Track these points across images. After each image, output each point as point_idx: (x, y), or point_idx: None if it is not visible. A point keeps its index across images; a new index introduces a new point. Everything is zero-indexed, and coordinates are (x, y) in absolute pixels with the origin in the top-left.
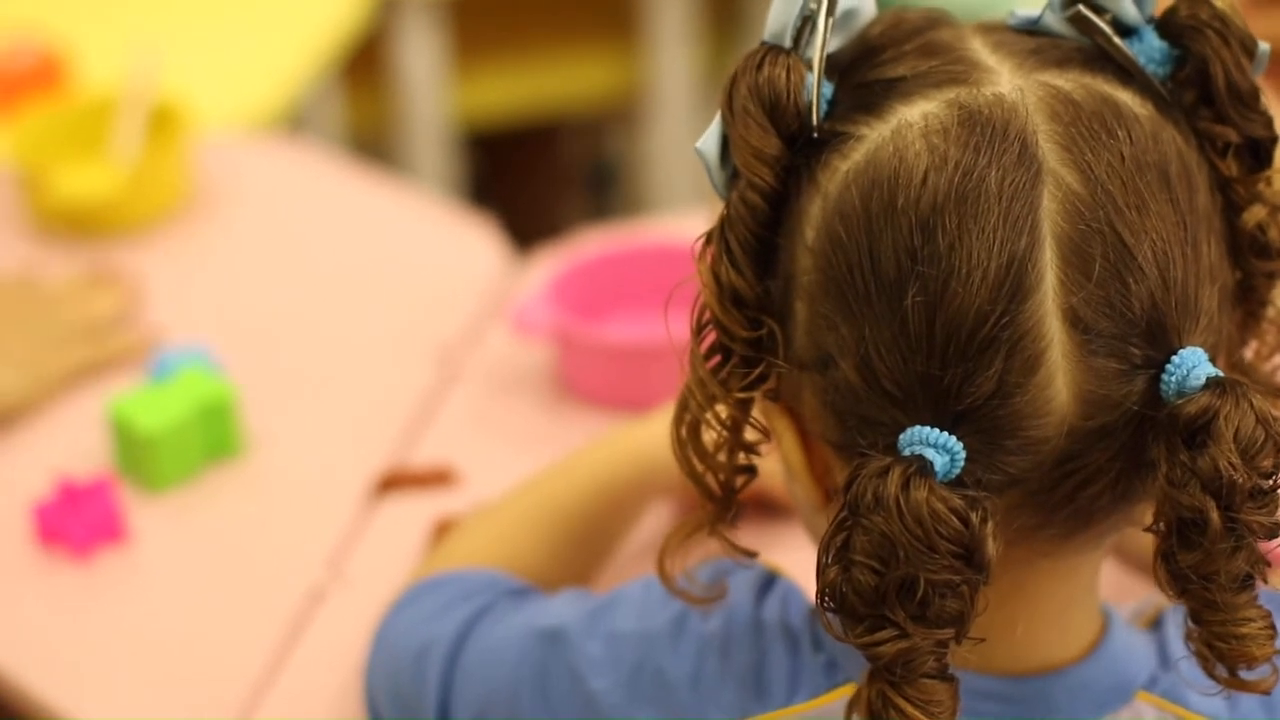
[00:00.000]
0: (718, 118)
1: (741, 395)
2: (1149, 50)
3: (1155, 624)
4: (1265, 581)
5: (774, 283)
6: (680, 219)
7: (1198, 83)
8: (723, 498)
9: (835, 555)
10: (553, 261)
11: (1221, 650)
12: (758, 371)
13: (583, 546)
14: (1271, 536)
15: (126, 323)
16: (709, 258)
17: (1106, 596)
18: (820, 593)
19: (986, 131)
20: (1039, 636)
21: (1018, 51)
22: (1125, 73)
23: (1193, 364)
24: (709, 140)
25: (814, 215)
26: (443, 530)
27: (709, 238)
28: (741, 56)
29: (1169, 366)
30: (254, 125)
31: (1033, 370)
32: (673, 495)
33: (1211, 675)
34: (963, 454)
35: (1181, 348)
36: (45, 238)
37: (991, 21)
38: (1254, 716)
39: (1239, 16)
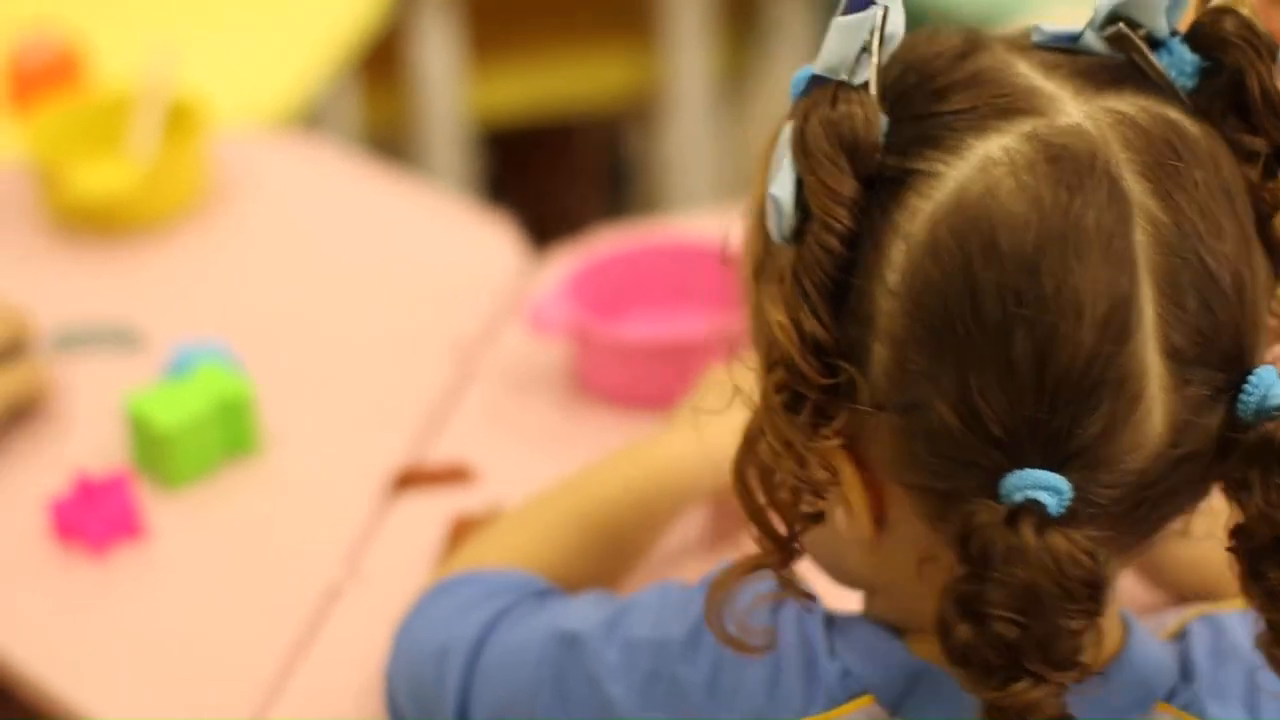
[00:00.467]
0: (788, 161)
1: (823, 444)
2: (1179, 63)
3: (1179, 636)
4: None
5: (850, 326)
6: (697, 217)
7: (1228, 93)
8: (786, 540)
9: (963, 613)
10: (569, 259)
11: None
12: (839, 422)
13: (612, 556)
14: None
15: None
16: (782, 304)
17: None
18: (950, 653)
19: (1075, 168)
20: None
21: (1069, 74)
22: (1159, 88)
23: (1270, 383)
24: (784, 186)
25: (896, 258)
26: (459, 528)
27: (780, 281)
28: (808, 97)
29: (1246, 387)
30: (270, 122)
31: (1135, 406)
32: (706, 504)
33: None
34: (1070, 493)
35: (1254, 366)
36: (61, 234)
37: (1018, 39)
38: None
39: (1260, 21)
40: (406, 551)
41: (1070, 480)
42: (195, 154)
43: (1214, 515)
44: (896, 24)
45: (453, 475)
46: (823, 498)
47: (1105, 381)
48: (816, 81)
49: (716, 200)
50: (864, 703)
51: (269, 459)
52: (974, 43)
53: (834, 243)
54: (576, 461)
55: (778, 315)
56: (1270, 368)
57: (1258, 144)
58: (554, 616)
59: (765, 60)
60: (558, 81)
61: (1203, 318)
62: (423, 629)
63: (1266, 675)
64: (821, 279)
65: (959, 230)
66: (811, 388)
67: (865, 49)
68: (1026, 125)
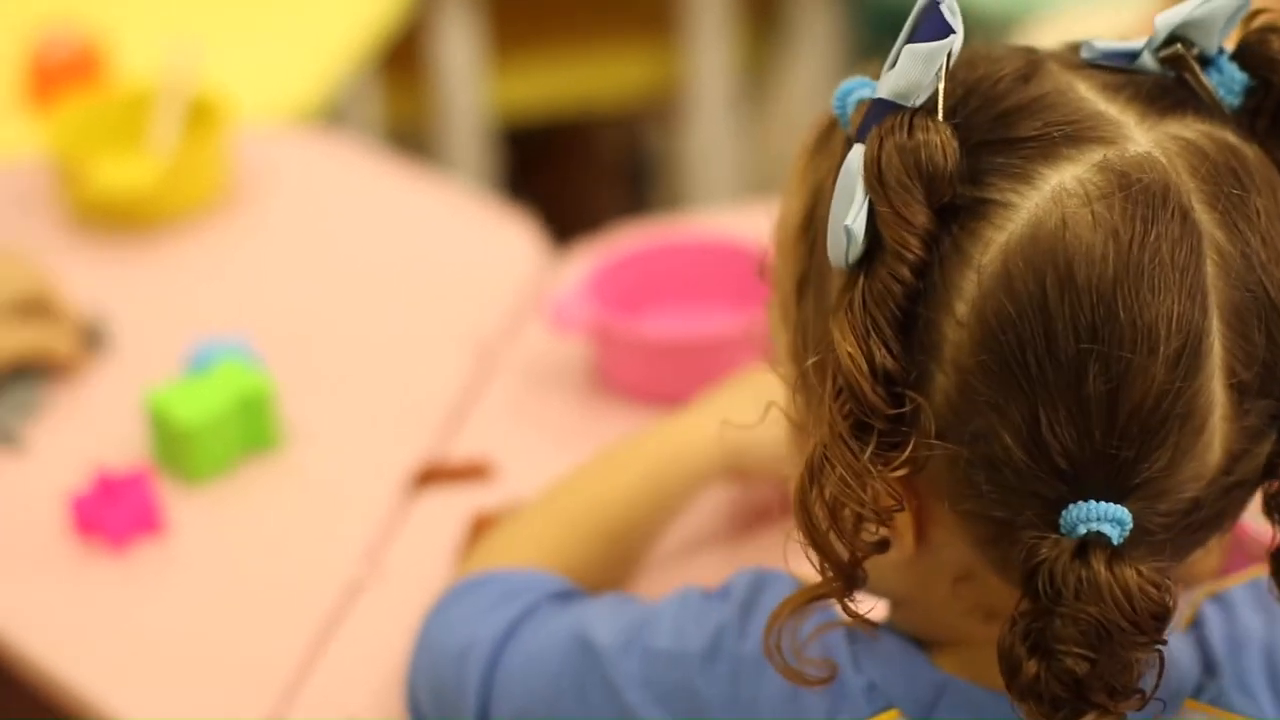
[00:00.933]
0: (860, 193)
1: (894, 474)
2: (1228, 82)
3: (1194, 624)
4: None
5: (916, 355)
6: (717, 215)
7: (1273, 111)
8: (850, 568)
9: (1032, 649)
10: (590, 256)
11: None
12: (907, 453)
13: (629, 545)
14: None
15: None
16: (850, 335)
17: None
18: (1018, 689)
19: (1148, 200)
20: None
21: (1131, 98)
22: (1211, 109)
23: None
24: (858, 217)
25: (966, 289)
26: (480, 524)
27: (848, 309)
28: (880, 124)
29: None
30: (292, 118)
31: (1198, 438)
32: (719, 486)
33: None
34: (1131, 524)
35: None
36: (83, 229)
37: (1069, 56)
38: None
39: None
40: (427, 548)
41: (1130, 510)
42: (216, 150)
43: None
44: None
45: (473, 472)
46: (888, 526)
47: (1174, 415)
48: (885, 106)
49: (736, 197)
50: (890, 717)
51: (289, 455)
52: (1034, 64)
53: (906, 273)
54: None
55: (847, 346)
56: None
57: None
58: (575, 621)
59: (786, 58)
60: (578, 78)
61: (1264, 347)
62: (444, 630)
63: None
64: (892, 310)
65: (1034, 262)
66: (878, 417)
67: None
68: (1097, 154)
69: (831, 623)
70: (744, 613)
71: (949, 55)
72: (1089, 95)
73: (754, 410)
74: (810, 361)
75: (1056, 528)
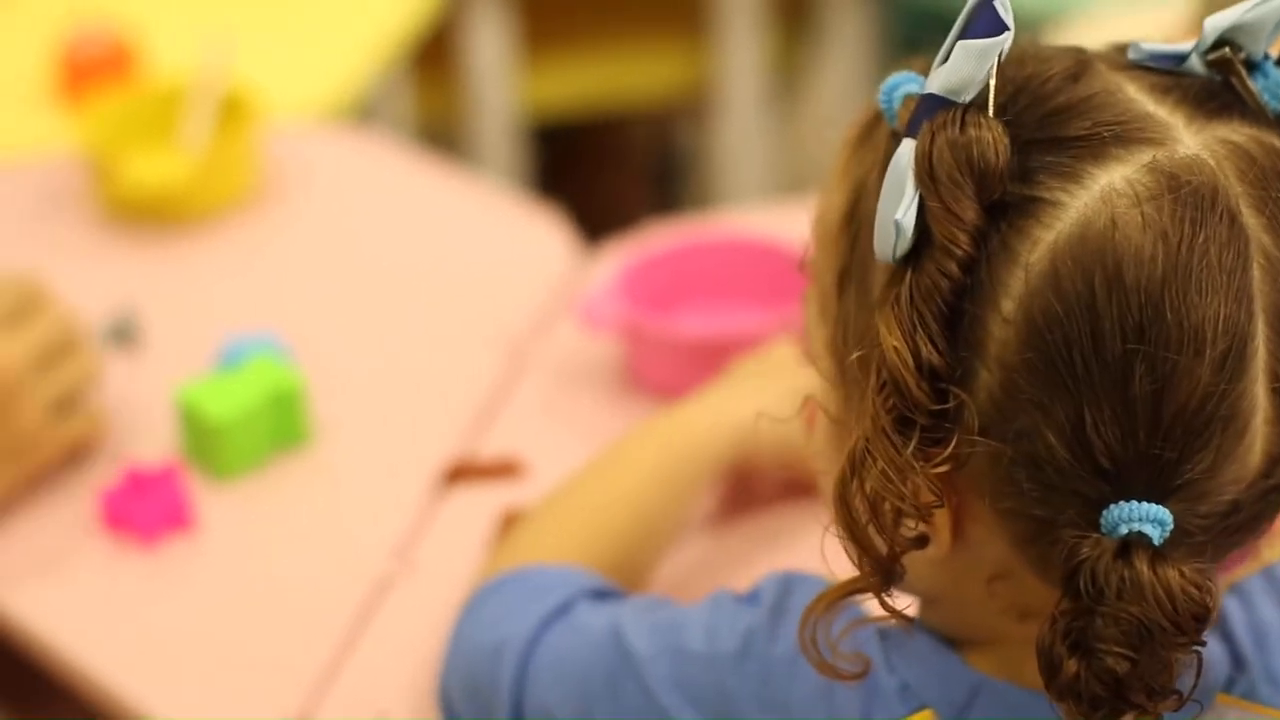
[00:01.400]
0: (910, 187)
1: (936, 470)
2: (1273, 87)
3: (1217, 619)
4: None
5: (959, 350)
6: (748, 213)
7: None
8: (888, 563)
9: (1073, 648)
10: (621, 254)
11: None
12: (950, 449)
13: (648, 537)
14: None
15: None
16: (897, 330)
17: None
18: (1058, 688)
19: (1197, 202)
20: None
21: (1179, 100)
22: (1256, 113)
23: None
24: (907, 211)
25: (1013, 287)
26: (509, 522)
27: (895, 304)
28: (931, 119)
29: None
30: (323, 115)
31: (1240, 440)
32: (732, 478)
33: None
34: (1172, 525)
35: None
36: (115, 225)
37: (1116, 57)
38: None
39: None
40: (457, 545)
41: (1171, 511)
42: (248, 146)
43: None
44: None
45: (503, 470)
46: (928, 522)
47: (1218, 418)
48: (936, 102)
49: (767, 196)
50: (924, 718)
51: (319, 451)
52: (1083, 63)
53: (954, 268)
54: None
55: (893, 340)
56: None
57: None
58: (611, 620)
59: (817, 55)
60: (609, 76)
61: None
62: (477, 626)
63: None
64: (939, 305)
65: (1082, 262)
66: (922, 413)
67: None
68: (1146, 155)
69: (861, 618)
70: (774, 615)
71: (1000, 52)
72: (1138, 96)
73: (756, 399)
74: (854, 356)
75: (1097, 527)
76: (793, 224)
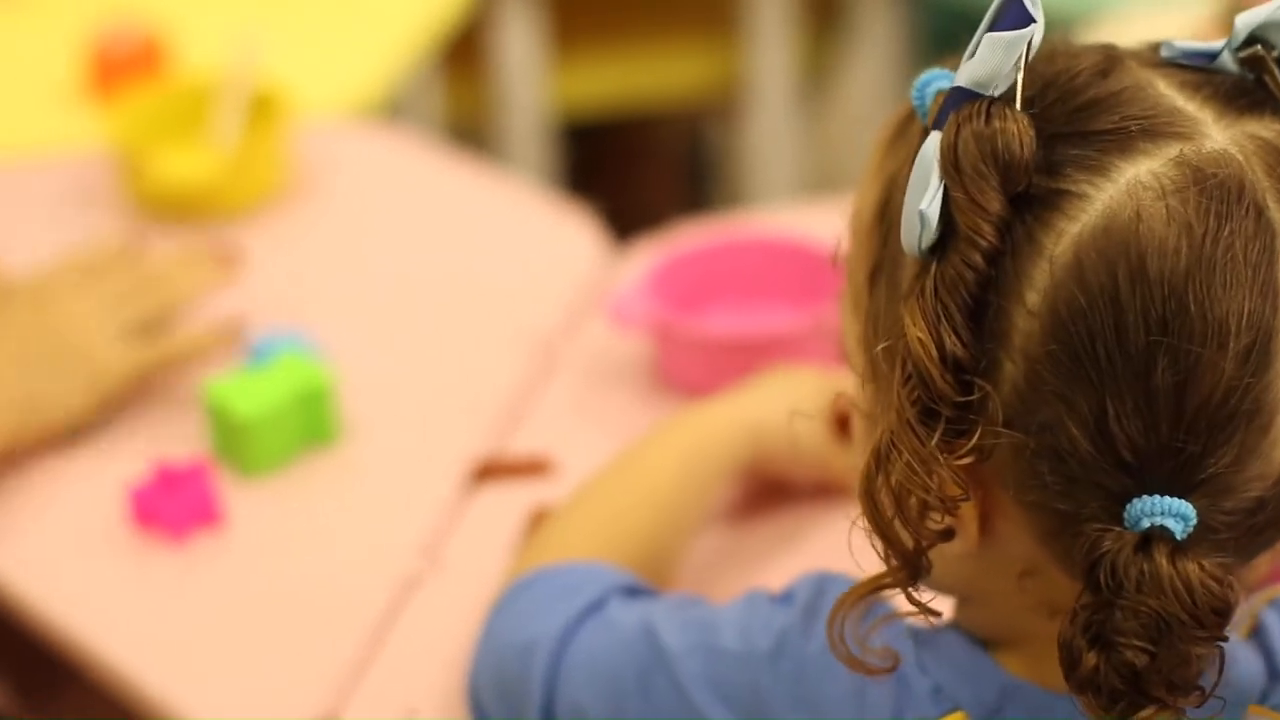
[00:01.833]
0: (935, 178)
1: (959, 461)
2: None
3: (1255, 631)
4: None
5: (986, 344)
6: (778, 212)
7: None
8: (914, 557)
9: (1093, 640)
10: (650, 253)
11: None
12: (974, 440)
13: (674, 533)
14: None
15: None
16: (922, 320)
17: None
18: (1078, 680)
19: (1223, 195)
20: None
21: (1209, 96)
22: None
23: None
24: (932, 202)
25: (1038, 279)
26: (538, 520)
27: (920, 295)
28: (958, 111)
29: None
30: (353, 112)
31: (1265, 435)
32: (752, 474)
33: None
34: (1194, 520)
35: None
36: (145, 221)
37: (1148, 54)
38: None
39: None
40: (485, 544)
41: (1195, 506)
42: (277, 143)
43: None
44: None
45: (532, 468)
46: (953, 514)
47: (1241, 412)
48: (963, 94)
49: (797, 195)
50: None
51: (348, 448)
52: (1113, 59)
53: (979, 260)
54: None
55: (918, 331)
56: None
57: None
58: (643, 618)
59: (847, 55)
60: (639, 75)
61: None
62: (508, 624)
63: None
64: (963, 296)
65: (1106, 254)
66: (946, 404)
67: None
68: (1174, 149)
69: (891, 614)
70: (807, 615)
71: (1029, 45)
72: (1167, 92)
73: (784, 404)
74: (880, 347)
75: (1120, 521)
76: (822, 223)
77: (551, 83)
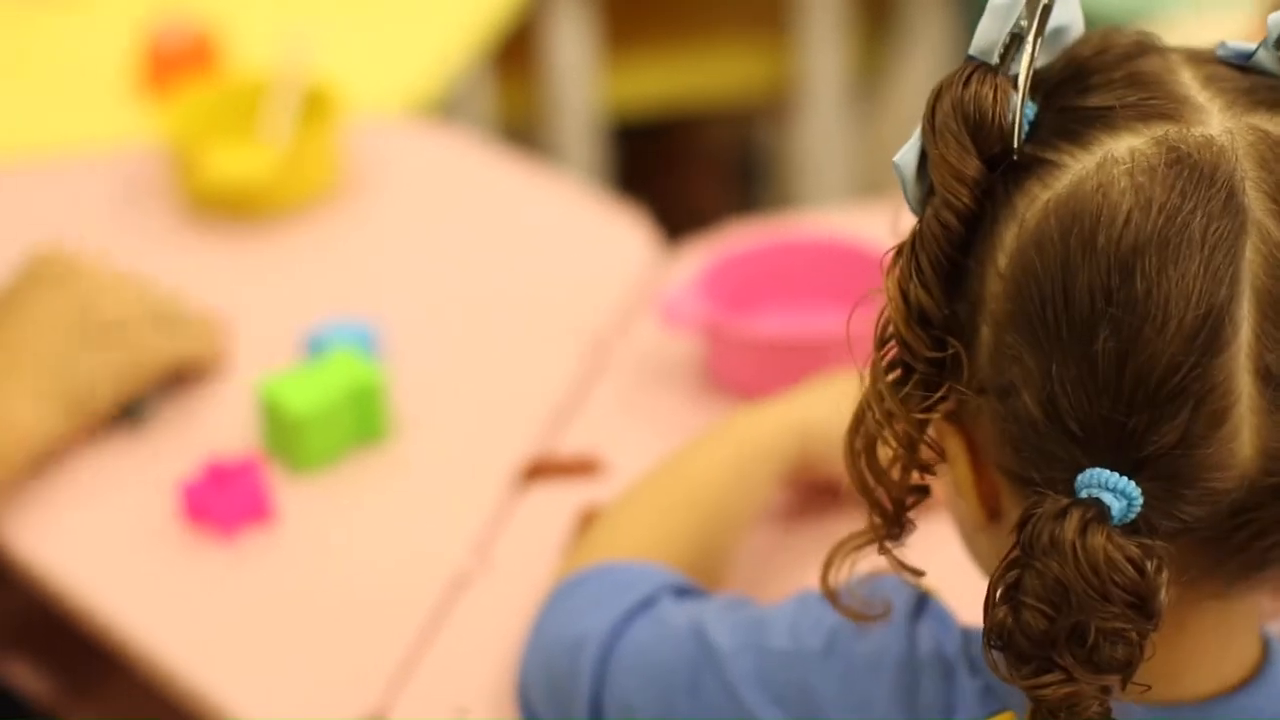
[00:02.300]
0: (917, 132)
1: (921, 416)
2: None
3: None
4: None
5: (961, 304)
6: (828, 214)
7: None
8: (893, 515)
9: (1005, 595)
10: (701, 253)
11: None
12: (939, 395)
13: (722, 533)
14: None
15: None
16: (896, 273)
17: None
18: (988, 631)
19: (1193, 175)
20: (1198, 667)
21: (1229, 89)
22: None
23: None
24: (907, 155)
25: (1008, 242)
26: (587, 520)
27: (898, 252)
28: (948, 73)
29: None
30: (405, 110)
31: (1219, 424)
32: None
33: None
34: (1140, 500)
35: None
36: (197, 218)
37: (1201, 50)
38: None
39: None
40: (535, 542)
41: (1145, 489)
42: (330, 140)
43: None
44: (1070, 18)
45: (582, 467)
46: (929, 472)
47: (1187, 391)
48: (969, 62)
49: (848, 197)
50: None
51: (399, 446)
52: (1144, 46)
53: (952, 220)
54: None
55: (889, 282)
56: None
57: None
58: (694, 617)
59: (900, 57)
60: (691, 75)
61: None
62: (558, 622)
63: None
64: (936, 254)
65: (1064, 221)
66: (918, 360)
67: (1018, 34)
68: (1160, 130)
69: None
70: (868, 610)
71: (1036, 15)
72: (1186, 81)
73: (833, 407)
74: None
75: (1073, 493)
76: (873, 225)
77: (603, 83)
